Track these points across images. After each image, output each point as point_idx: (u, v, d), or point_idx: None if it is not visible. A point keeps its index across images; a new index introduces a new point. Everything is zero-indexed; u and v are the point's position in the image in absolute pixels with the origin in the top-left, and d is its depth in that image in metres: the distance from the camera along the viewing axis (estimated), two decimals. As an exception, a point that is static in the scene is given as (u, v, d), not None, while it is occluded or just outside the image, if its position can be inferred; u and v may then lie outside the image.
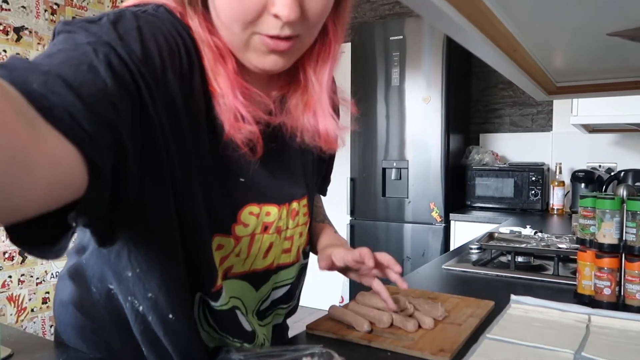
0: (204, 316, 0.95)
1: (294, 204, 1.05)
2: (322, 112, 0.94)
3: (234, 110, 0.83)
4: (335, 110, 1.04)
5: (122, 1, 4.14)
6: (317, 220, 1.27)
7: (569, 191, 3.82)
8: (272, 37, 0.80)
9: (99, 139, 0.58)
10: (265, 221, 0.98)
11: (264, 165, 0.96)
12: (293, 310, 1.22)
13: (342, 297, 4.46)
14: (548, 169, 4.09)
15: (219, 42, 0.85)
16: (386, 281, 1.32)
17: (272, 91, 0.97)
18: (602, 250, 1.32)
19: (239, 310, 1.01)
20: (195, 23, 0.83)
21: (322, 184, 1.28)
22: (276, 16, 0.77)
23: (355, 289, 3.80)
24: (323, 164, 1.22)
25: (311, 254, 1.22)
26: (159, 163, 0.77)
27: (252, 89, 0.87)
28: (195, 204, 0.85)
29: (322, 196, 1.35)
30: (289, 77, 0.97)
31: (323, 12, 0.83)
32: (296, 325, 1.27)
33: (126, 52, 0.69)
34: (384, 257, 1.12)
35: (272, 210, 0.99)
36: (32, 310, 3.60)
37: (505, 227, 2.55)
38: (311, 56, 0.93)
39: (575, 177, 3.69)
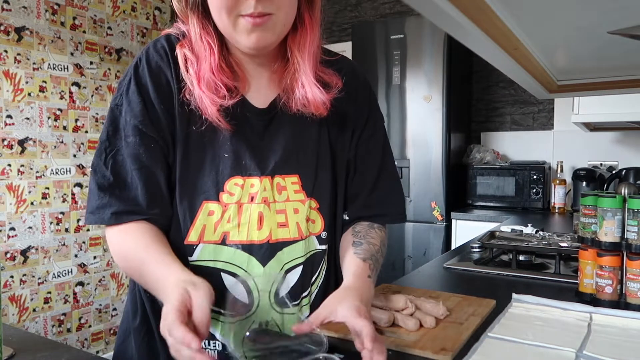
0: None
1: (278, 179, 1.19)
2: (308, 82, 1.16)
3: (199, 96, 1.10)
4: (321, 81, 1.20)
5: (122, 1, 4.14)
6: (358, 254, 1.21)
7: (570, 190, 3.82)
8: (250, 15, 1.04)
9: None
10: (250, 192, 1.16)
11: (250, 144, 1.17)
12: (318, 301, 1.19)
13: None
14: (549, 168, 4.08)
15: (208, 36, 1.13)
16: (390, 280, 1.31)
17: (270, 78, 1.22)
18: (604, 248, 1.32)
19: (246, 286, 1.14)
20: (193, 22, 1.13)
21: (365, 202, 1.32)
22: None
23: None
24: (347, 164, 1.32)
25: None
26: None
27: (216, 82, 1.11)
28: (184, 173, 1.15)
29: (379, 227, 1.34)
30: (282, 64, 1.21)
31: None
32: (298, 325, 1.26)
33: (136, 119, 1.12)
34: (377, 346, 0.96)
35: (255, 181, 1.16)
36: (34, 310, 3.60)
37: (507, 226, 2.55)
38: (294, 41, 1.17)
39: (577, 175, 3.69)
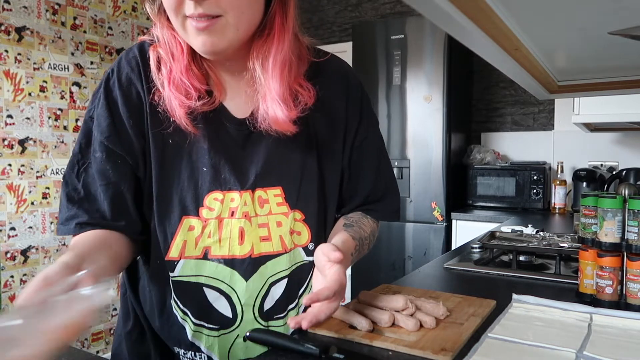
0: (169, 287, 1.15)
1: (259, 192, 1.16)
2: (271, 99, 1.08)
3: (168, 98, 1.07)
4: (295, 98, 1.14)
5: (123, 1, 4.14)
6: (349, 232, 1.24)
7: (570, 190, 3.82)
8: (193, 18, 0.98)
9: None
10: (230, 207, 1.13)
11: (229, 157, 1.14)
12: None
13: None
14: (550, 168, 4.08)
15: (175, 41, 1.09)
16: (390, 280, 1.31)
17: (246, 88, 1.14)
18: (604, 249, 1.32)
19: (229, 300, 1.14)
20: (160, 26, 1.11)
21: (358, 198, 1.32)
22: None
23: (357, 287, 3.80)
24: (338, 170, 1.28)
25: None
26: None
27: (186, 83, 1.08)
28: (161, 188, 1.12)
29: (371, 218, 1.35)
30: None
31: None
32: (297, 325, 1.26)
33: (102, 135, 1.09)
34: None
35: (235, 196, 1.13)
36: None
37: (507, 226, 2.55)
38: (258, 50, 1.09)
39: (577, 176, 3.69)
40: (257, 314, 1.16)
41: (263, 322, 1.17)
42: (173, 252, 1.13)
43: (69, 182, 1.11)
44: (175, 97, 1.07)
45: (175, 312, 1.16)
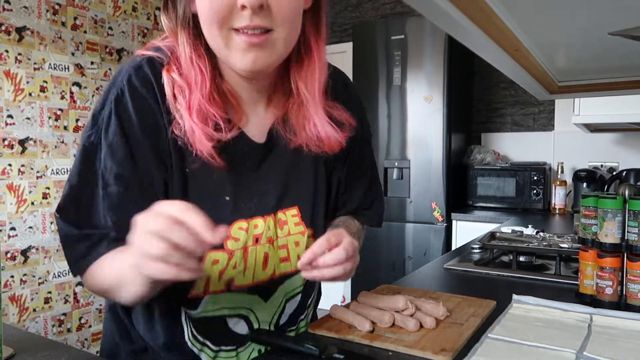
0: (186, 322, 1.08)
1: (280, 214, 1.11)
2: (320, 121, 1.06)
3: (191, 129, 0.96)
4: (332, 118, 1.11)
5: (123, 1, 4.14)
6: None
7: (570, 191, 3.82)
8: (245, 32, 0.91)
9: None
10: (255, 234, 1.07)
11: (248, 182, 1.08)
12: (313, 319, 1.26)
13: (343, 296, 4.46)
14: (550, 169, 4.08)
15: (199, 60, 0.99)
16: (390, 281, 1.31)
17: (269, 111, 1.10)
18: (604, 249, 1.32)
19: (247, 320, 1.11)
20: (182, 41, 0.98)
21: (355, 205, 1.31)
22: (243, 7, 0.89)
23: (357, 288, 3.80)
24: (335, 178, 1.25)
25: None
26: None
27: (208, 110, 0.98)
28: None
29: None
30: (286, 96, 1.09)
31: (289, 7, 0.93)
32: (298, 325, 1.27)
33: (119, 166, 0.95)
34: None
35: (259, 222, 1.08)
36: (34, 310, 3.60)
37: (507, 227, 2.55)
38: (300, 73, 1.05)
39: (577, 176, 3.69)
40: (272, 328, 1.15)
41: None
42: (196, 289, 1.05)
43: (67, 219, 0.99)
44: (200, 129, 0.96)
45: (192, 346, 1.10)
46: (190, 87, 0.98)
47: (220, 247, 1.02)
